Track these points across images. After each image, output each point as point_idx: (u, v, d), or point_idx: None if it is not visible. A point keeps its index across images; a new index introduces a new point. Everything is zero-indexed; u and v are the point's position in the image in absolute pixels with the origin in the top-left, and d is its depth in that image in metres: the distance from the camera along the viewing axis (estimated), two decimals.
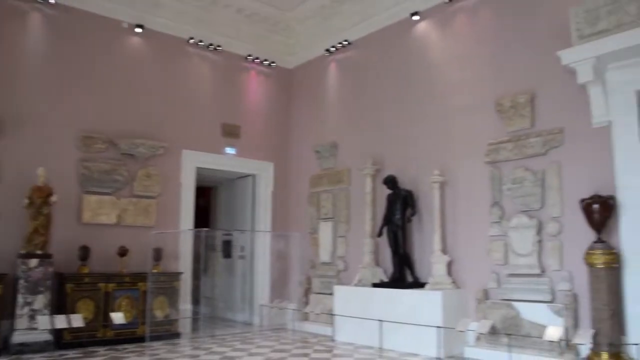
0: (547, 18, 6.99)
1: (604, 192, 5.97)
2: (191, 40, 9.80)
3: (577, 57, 6.14)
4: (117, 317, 7.70)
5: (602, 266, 5.76)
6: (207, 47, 10.00)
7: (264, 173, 10.71)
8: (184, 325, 8.84)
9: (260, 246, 10.52)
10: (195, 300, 9.77)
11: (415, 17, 8.71)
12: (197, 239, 9.71)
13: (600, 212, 5.89)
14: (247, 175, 10.80)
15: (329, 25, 10.19)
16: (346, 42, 9.94)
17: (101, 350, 7.34)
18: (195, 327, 9.15)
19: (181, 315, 8.72)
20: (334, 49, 10.17)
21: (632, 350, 5.62)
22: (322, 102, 10.51)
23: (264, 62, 10.82)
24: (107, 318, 7.72)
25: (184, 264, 9.22)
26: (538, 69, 6.99)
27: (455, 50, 8.18)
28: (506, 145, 7.19)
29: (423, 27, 8.70)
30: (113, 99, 8.84)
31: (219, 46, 10.09)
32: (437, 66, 8.40)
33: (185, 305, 9.06)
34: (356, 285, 8.49)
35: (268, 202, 10.69)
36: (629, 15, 5.86)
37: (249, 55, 10.61)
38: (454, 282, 7.52)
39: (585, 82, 6.17)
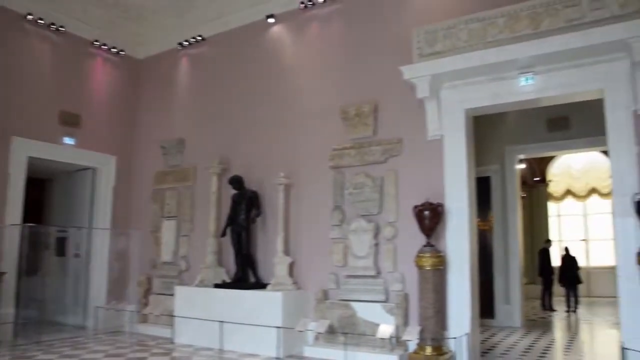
0: (393, 34, 7.42)
1: (434, 200, 6.47)
2: (29, 17, 8.94)
3: (416, 73, 6.64)
4: None
5: (429, 268, 6.24)
6: (49, 26, 9.21)
7: (106, 167, 10.13)
8: (5, 331, 8.02)
9: (99, 244, 9.92)
10: (20, 303, 8.90)
11: (271, 20, 8.78)
12: (25, 235, 8.84)
13: (430, 218, 6.37)
14: (87, 168, 10.12)
15: (183, 19, 9.84)
16: (200, 38, 9.75)
17: None
18: (18, 333, 8.34)
19: (2, 320, 7.91)
20: (187, 43, 9.92)
21: (451, 344, 6.20)
22: (171, 96, 10.19)
23: (112, 50, 10.25)
24: None
25: (8, 263, 8.37)
26: (383, 81, 7.38)
27: (307, 56, 8.39)
28: (349, 152, 7.50)
29: (278, 30, 8.80)
30: None
31: (62, 27, 9.35)
32: (289, 70, 8.54)
33: (7, 309, 8.22)
34: (198, 285, 8.32)
35: (108, 197, 10.13)
36: (461, 41, 6.50)
37: (96, 41, 9.97)
38: (295, 283, 7.67)
39: (422, 97, 6.68)
